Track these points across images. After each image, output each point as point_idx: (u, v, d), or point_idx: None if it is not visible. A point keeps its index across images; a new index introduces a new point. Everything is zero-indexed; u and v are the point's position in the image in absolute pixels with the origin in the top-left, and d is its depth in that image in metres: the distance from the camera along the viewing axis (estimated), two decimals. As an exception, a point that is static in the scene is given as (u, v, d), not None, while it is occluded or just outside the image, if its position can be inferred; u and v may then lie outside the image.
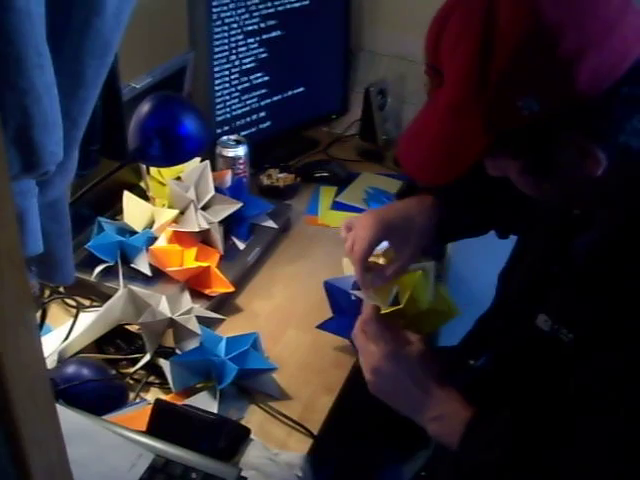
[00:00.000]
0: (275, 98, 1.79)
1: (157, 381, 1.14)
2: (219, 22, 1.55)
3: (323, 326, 1.21)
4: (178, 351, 1.14)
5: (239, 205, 1.41)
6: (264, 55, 1.70)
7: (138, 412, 1.05)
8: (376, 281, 1.09)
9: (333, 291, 1.20)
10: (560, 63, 0.74)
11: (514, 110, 0.76)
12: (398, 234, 1.10)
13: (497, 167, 0.88)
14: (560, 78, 0.74)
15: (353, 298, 1.16)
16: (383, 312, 1.04)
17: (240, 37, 1.62)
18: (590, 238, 0.92)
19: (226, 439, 0.99)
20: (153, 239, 1.34)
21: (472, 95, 0.79)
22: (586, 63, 0.73)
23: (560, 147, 0.79)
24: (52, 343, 1.15)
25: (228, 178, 1.50)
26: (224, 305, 1.31)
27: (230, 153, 1.56)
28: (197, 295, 1.27)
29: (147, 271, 1.30)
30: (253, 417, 1.09)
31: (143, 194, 1.44)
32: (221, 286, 1.29)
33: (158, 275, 1.30)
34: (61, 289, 1.28)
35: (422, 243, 1.11)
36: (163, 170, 1.46)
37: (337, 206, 1.68)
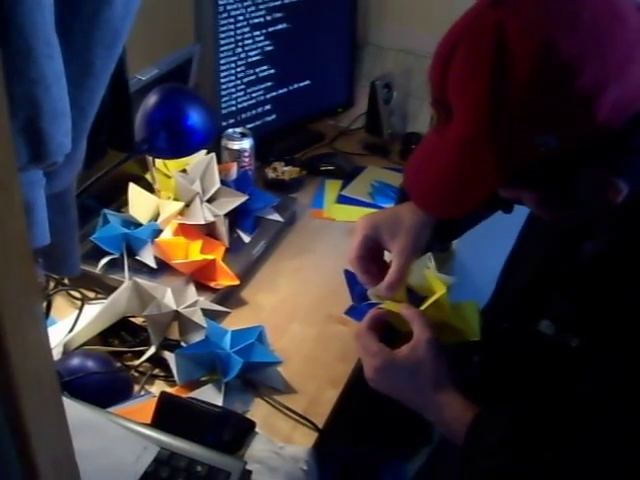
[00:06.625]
0: (281, 91, 1.78)
1: (162, 374, 1.14)
2: (225, 14, 1.54)
3: (349, 313, 1.17)
4: (183, 344, 1.14)
5: (244, 198, 1.41)
6: (270, 48, 1.69)
7: (143, 405, 1.05)
8: (386, 291, 1.03)
9: (351, 280, 1.18)
10: (579, 99, 0.70)
11: (530, 147, 0.73)
12: (385, 231, 1.05)
13: (511, 193, 0.84)
14: (579, 114, 0.71)
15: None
16: (386, 307, 1.03)
17: (246, 30, 1.61)
18: (599, 244, 0.90)
19: (231, 432, 0.99)
20: (158, 231, 1.34)
21: (485, 134, 0.75)
22: (605, 98, 0.69)
23: (578, 179, 0.76)
24: (57, 335, 1.15)
25: (234, 171, 1.50)
26: (229, 298, 1.31)
27: (235, 146, 1.55)
28: (202, 288, 1.27)
29: (152, 264, 1.30)
30: (258, 410, 1.09)
31: (149, 186, 1.44)
32: (226, 279, 1.29)
33: (163, 268, 1.30)
34: (66, 281, 1.28)
35: (417, 243, 1.05)
36: (169, 162, 1.45)
37: (342, 199, 1.67)
